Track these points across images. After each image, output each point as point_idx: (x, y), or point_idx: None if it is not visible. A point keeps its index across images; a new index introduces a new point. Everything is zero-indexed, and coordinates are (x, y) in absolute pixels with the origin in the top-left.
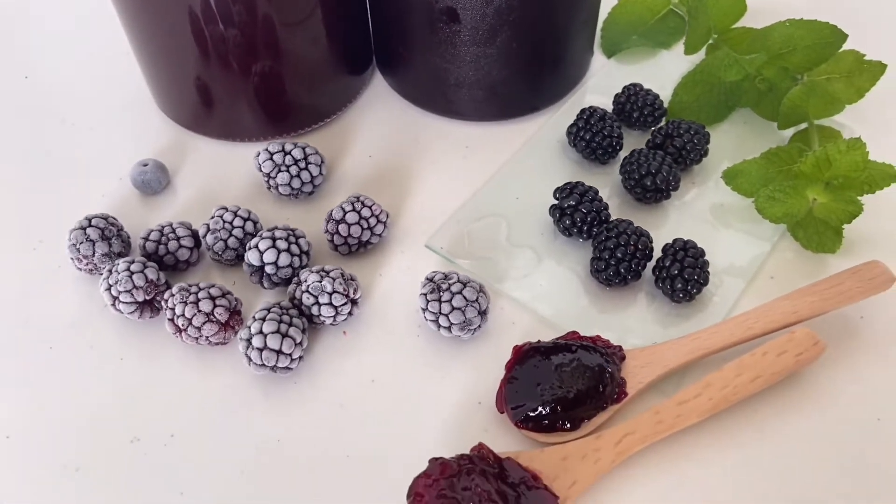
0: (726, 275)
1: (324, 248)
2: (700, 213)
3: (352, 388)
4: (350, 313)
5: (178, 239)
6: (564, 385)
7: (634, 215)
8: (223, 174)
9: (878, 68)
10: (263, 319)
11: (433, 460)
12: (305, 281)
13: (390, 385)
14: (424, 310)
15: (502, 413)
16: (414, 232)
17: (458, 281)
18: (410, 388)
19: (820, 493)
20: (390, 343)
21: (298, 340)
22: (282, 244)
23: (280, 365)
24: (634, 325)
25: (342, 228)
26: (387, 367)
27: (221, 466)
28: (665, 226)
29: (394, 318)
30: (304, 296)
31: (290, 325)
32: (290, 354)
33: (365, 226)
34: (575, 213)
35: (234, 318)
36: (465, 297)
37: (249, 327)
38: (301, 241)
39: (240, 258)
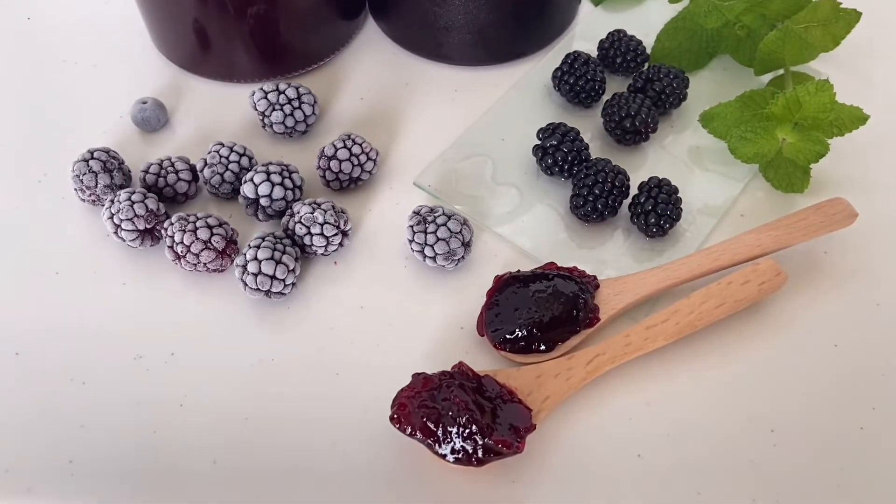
0: (699, 213)
1: (316, 184)
2: (677, 154)
3: (342, 313)
4: (341, 244)
5: (176, 172)
6: (540, 310)
7: (614, 156)
8: (220, 114)
9: (854, 16)
10: (258, 247)
11: (416, 375)
12: (298, 212)
13: (378, 311)
14: (411, 241)
15: (482, 336)
16: (403, 170)
17: (444, 214)
18: (397, 313)
19: (778, 412)
20: (378, 272)
21: (291, 267)
22: (276, 178)
23: (274, 290)
24: (610, 258)
25: (333, 164)
26: (375, 295)
27: (218, 383)
28: (643, 167)
29: (382, 250)
30: (297, 226)
31: (284, 252)
32: (283, 280)
33: (355, 162)
34: (556, 152)
35: (231, 246)
36: (449, 229)
37: (245, 254)
38: (294, 175)
39: (236, 192)
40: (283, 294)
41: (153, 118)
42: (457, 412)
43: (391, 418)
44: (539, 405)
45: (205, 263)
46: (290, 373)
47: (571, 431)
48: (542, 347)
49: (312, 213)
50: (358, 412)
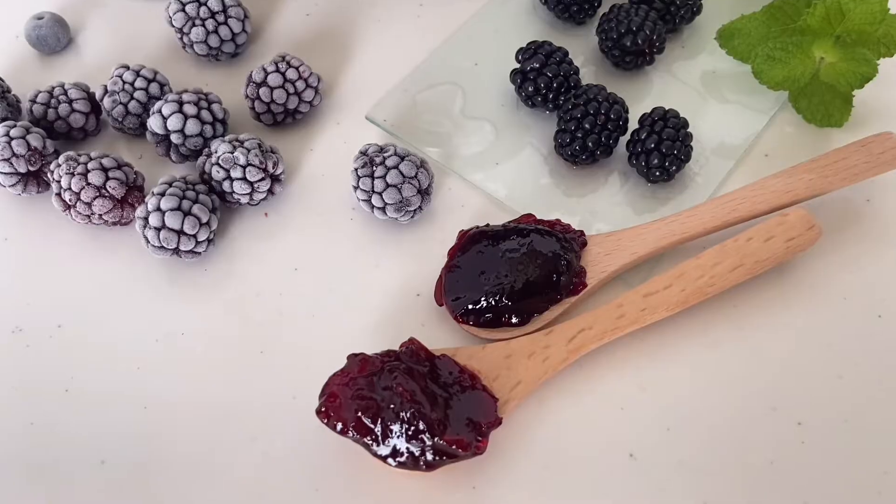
0: (713, 153)
1: (246, 118)
2: (688, 81)
3: (271, 277)
4: (270, 191)
5: (70, 102)
6: (512, 274)
7: (610, 83)
8: (134, 33)
9: None
10: (162, 194)
11: (352, 357)
12: (216, 152)
13: (316, 273)
14: (356, 188)
15: (441, 306)
16: (353, 102)
17: (395, 154)
18: (339, 277)
19: (806, 402)
20: (318, 227)
21: (205, 220)
22: (190, 109)
23: (183, 248)
24: (602, 208)
25: (263, 93)
26: (313, 254)
27: (115, 363)
28: (646, 97)
29: (324, 199)
30: (214, 169)
31: (196, 201)
32: (194, 236)
33: (291, 90)
34: (539, 77)
35: (133, 194)
36: (401, 173)
37: (147, 204)
38: (214, 106)
39: (145, 126)
40: (195, 253)
41: (50, 37)
42: (400, 405)
43: (318, 411)
44: (507, 393)
45: (100, 215)
46: (203, 351)
47: (547, 426)
48: (514, 320)
49: (232, 153)
50: (285, 401)
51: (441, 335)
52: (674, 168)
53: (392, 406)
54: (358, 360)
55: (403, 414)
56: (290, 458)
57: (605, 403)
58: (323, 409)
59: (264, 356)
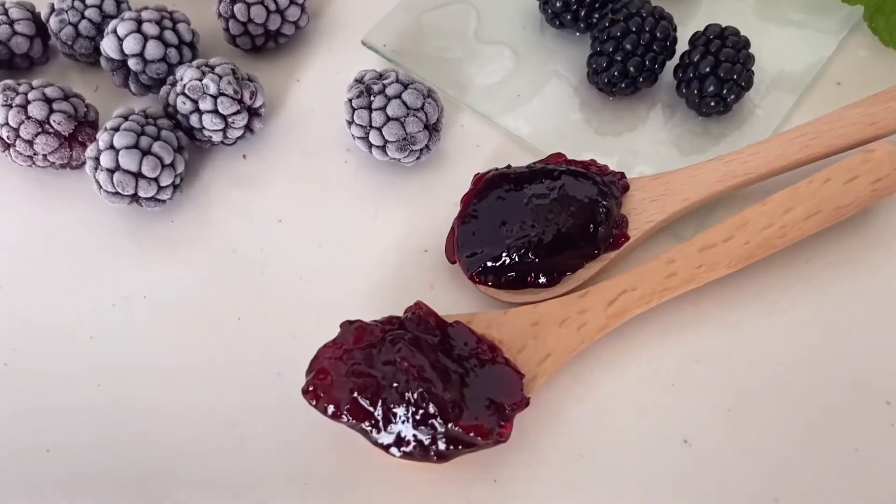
0: (775, 83)
1: (220, 43)
2: None
3: (250, 230)
4: (249, 128)
5: (10, 24)
6: (540, 224)
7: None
8: None
9: None
10: (116, 129)
11: (347, 325)
12: (181, 79)
13: (304, 226)
14: (350, 122)
15: (454, 263)
16: (347, 24)
17: (398, 81)
18: (331, 230)
19: (891, 376)
20: (307, 171)
21: (168, 160)
22: (151, 29)
23: (143, 194)
24: (643, 148)
25: (239, 10)
26: (300, 203)
27: (63, 333)
28: (695, 16)
29: (313, 139)
30: (180, 100)
31: (157, 138)
32: (155, 180)
33: (272, 7)
34: None
35: (84, 131)
36: (405, 104)
37: (98, 141)
38: (181, 27)
39: (100, 52)
40: (158, 201)
41: None
42: (405, 383)
43: (305, 391)
44: (535, 368)
45: (44, 155)
46: (169, 318)
47: (583, 406)
48: (542, 280)
49: (201, 81)
50: (267, 377)
51: (454, 298)
52: (732, 97)
53: (395, 385)
54: (353, 329)
55: (410, 394)
56: (274, 446)
57: (653, 379)
58: (311, 389)
59: (242, 324)
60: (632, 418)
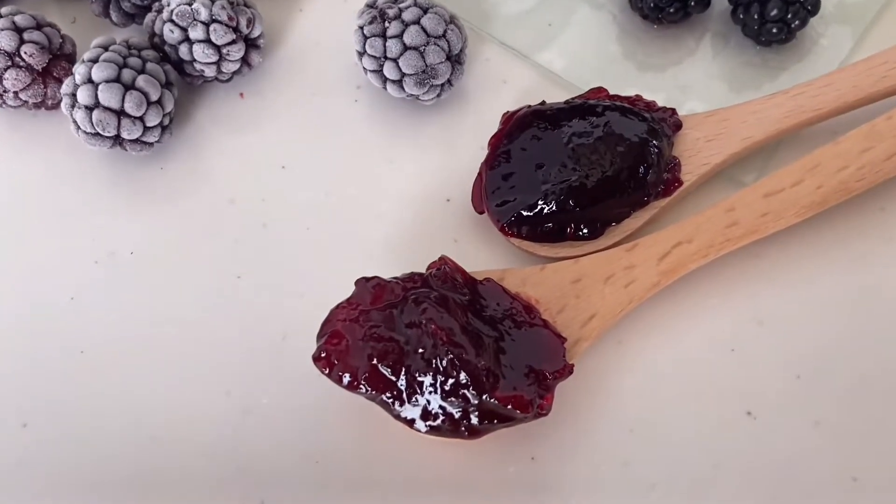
0: (840, 12)
1: None
2: None
3: (251, 178)
4: (246, 62)
5: None
6: (582, 166)
7: None
8: None
9: None
10: (94, 61)
11: (363, 282)
12: (168, 4)
13: (310, 173)
14: (362, 54)
15: (482, 213)
16: None
17: (416, 4)
18: (341, 177)
19: None
20: (312, 111)
21: (154, 97)
22: None
23: (127, 136)
24: (694, 82)
25: None
26: (305, 147)
27: (40, 293)
28: None
29: (319, 75)
30: (167, 28)
31: (142, 71)
32: (140, 119)
33: None
34: None
35: (60, 65)
36: (424, 30)
37: (74, 74)
38: None
39: None
40: (145, 144)
41: None
42: (432, 348)
43: (317, 358)
44: (578, 331)
45: (15, 93)
46: (158, 275)
47: (632, 375)
48: (584, 231)
49: (190, 6)
50: (272, 342)
51: (481, 253)
52: (797, 23)
53: (421, 350)
54: (371, 287)
55: (437, 361)
56: (281, 419)
57: (711, 344)
58: (323, 355)
59: (242, 282)
60: (687, 388)
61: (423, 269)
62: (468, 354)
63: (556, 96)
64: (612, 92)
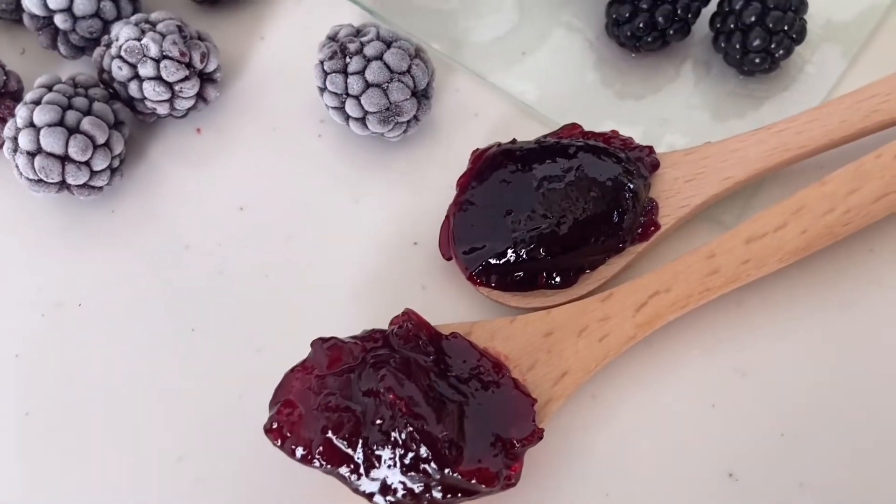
0: (828, 32)
1: None
2: None
3: (206, 221)
4: (202, 97)
5: None
6: (553, 213)
7: None
8: None
9: None
10: (37, 103)
11: (319, 343)
12: (116, 39)
13: (270, 215)
14: (323, 90)
15: (449, 260)
16: None
17: (378, 38)
18: (303, 219)
19: None
20: (273, 147)
21: (102, 140)
22: None
23: (73, 182)
24: (674, 114)
25: None
26: (265, 187)
27: None
28: None
29: (281, 108)
30: (115, 65)
31: (88, 113)
32: (86, 164)
33: None
34: None
35: (5, 103)
36: (387, 66)
37: (16, 116)
38: None
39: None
40: (93, 188)
41: None
42: (391, 420)
43: (268, 429)
44: (549, 389)
45: None
46: (108, 328)
47: (607, 433)
48: (557, 280)
49: (140, 41)
50: (228, 402)
51: (450, 302)
52: (781, 52)
53: (379, 421)
54: (327, 349)
55: (397, 434)
56: (235, 487)
57: (691, 398)
58: (275, 426)
59: (197, 336)
60: (666, 448)
61: (390, 317)
62: (429, 426)
63: (531, 130)
64: (587, 126)
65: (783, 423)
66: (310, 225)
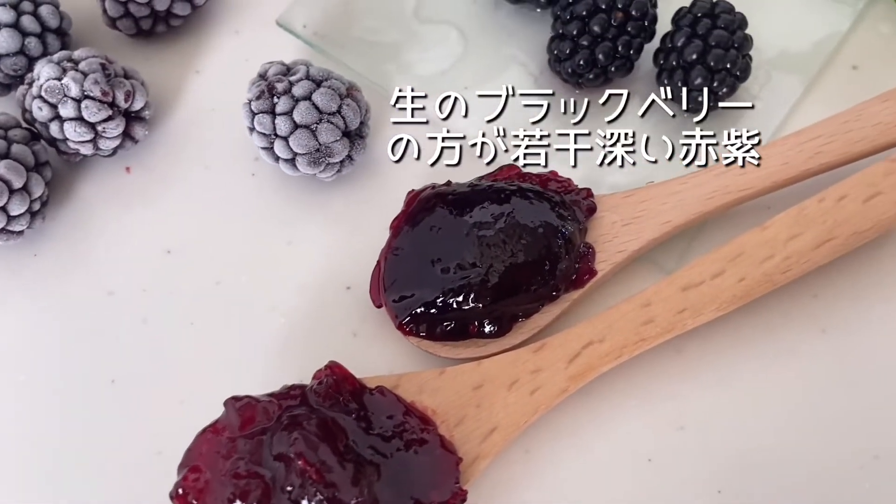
0: (776, 68)
1: (101, 28)
2: None
3: (132, 265)
4: (129, 136)
5: None
6: (483, 261)
7: None
8: None
9: None
10: None
11: (231, 402)
12: (38, 78)
13: (198, 258)
14: (252, 129)
15: (380, 307)
16: (260, 1)
17: (308, 78)
18: (232, 263)
19: None
20: (204, 187)
21: (19, 185)
22: (4, 15)
23: None
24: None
25: None
26: (195, 229)
27: None
28: None
29: (214, 146)
30: (36, 105)
31: (6, 156)
32: (3, 209)
33: None
34: None
35: None
36: (316, 107)
37: None
38: (44, 10)
39: None
40: (13, 233)
41: None
42: (300, 488)
43: (173, 496)
44: (476, 447)
45: None
46: (24, 379)
47: (538, 491)
48: (489, 329)
49: (60, 80)
50: (145, 458)
51: (382, 350)
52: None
53: (290, 489)
54: (239, 409)
55: (306, 502)
56: None
57: (625, 454)
58: (181, 492)
59: (116, 388)
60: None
61: (319, 366)
62: (341, 493)
63: (471, 169)
64: (525, 168)
65: (721, 478)
66: (240, 269)
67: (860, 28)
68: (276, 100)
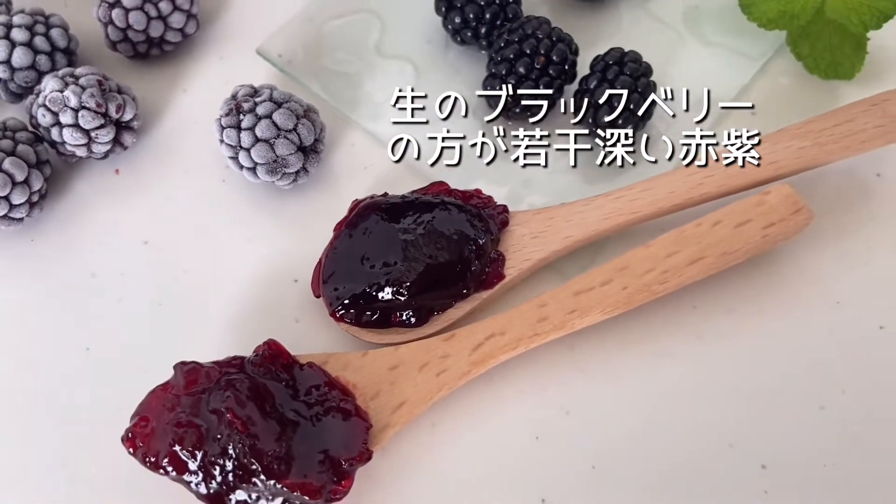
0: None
1: (104, 50)
2: (665, 19)
3: (114, 252)
4: (119, 143)
5: None
6: (405, 260)
7: (569, 19)
8: None
9: None
10: None
11: (180, 366)
12: (43, 90)
13: (170, 249)
14: (221, 141)
15: (318, 297)
16: (242, 32)
17: (271, 100)
18: (199, 254)
19: (776, 440)
20: (181, 189)
21: (20, 178)
22: (20, 35)
23: None
24: (538, 177)
25: (117, 16)
26: (170, 224)
27: None
28: (614, 36)
29: (193, 153)
30: (40, 113)
31: (12, 153)
32: (6, 198)
33: (153, 13)
34: (467, 5)
35: None
36: (275, 125)
37: None
38: (55, 32)
39: None
40: (14, 220)
41: None
42: (227, 436)
43: (124, 438)
44: (386, 416)
45: None
46: (10, 344)
47: (440, 459)
48: (410, 318)
49: (62, 92)
50: (109, 414)
51: (318, 335)
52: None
53: (219, 437)
54: (185, 372)
55: (231, 448)
56: (106, 491)
57: (517, 431)
58: (130, 436)
59: (91, 354)
60: (489, 472)
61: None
62: (261, 443)
63: (411, 183)
64: (459, 184)
65: (595, 457)
66: (205, 259)
67: (762, 78)
68: (241, 117)
